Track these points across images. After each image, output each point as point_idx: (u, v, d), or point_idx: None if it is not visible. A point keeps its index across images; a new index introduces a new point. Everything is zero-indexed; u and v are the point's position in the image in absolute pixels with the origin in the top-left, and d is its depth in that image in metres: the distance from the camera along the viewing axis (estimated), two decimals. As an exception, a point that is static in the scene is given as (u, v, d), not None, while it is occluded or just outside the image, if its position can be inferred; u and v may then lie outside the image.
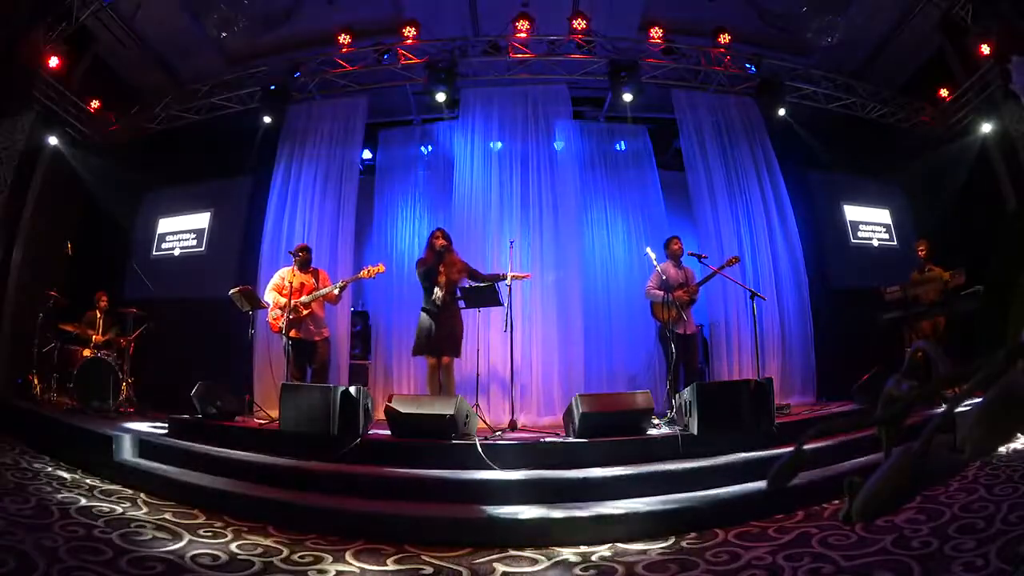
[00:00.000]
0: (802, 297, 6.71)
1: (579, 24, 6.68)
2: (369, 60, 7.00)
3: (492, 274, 5.16)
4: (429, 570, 2.42)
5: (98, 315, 6.15)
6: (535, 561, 2.52)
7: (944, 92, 7.25)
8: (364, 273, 5.08)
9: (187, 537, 2.66)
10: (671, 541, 2.71)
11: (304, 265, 5.23)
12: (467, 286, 4.96)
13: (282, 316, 4.99)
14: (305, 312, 5.04)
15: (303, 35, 7.28)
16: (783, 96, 6.96)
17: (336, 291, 5.10)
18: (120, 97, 7.41)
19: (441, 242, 5.01)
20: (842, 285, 7.01)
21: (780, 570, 2.25)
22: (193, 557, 2.41)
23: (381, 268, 5.11)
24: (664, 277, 5.18)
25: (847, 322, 6.45)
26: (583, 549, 2.64)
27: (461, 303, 4.99)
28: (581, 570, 2.41)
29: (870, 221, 7.66)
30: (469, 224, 6.63)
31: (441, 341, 4.89)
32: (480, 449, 3.59)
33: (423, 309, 5.01)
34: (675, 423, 4.20)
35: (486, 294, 4.85)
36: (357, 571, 2.41)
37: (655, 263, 5.14)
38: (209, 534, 2.75)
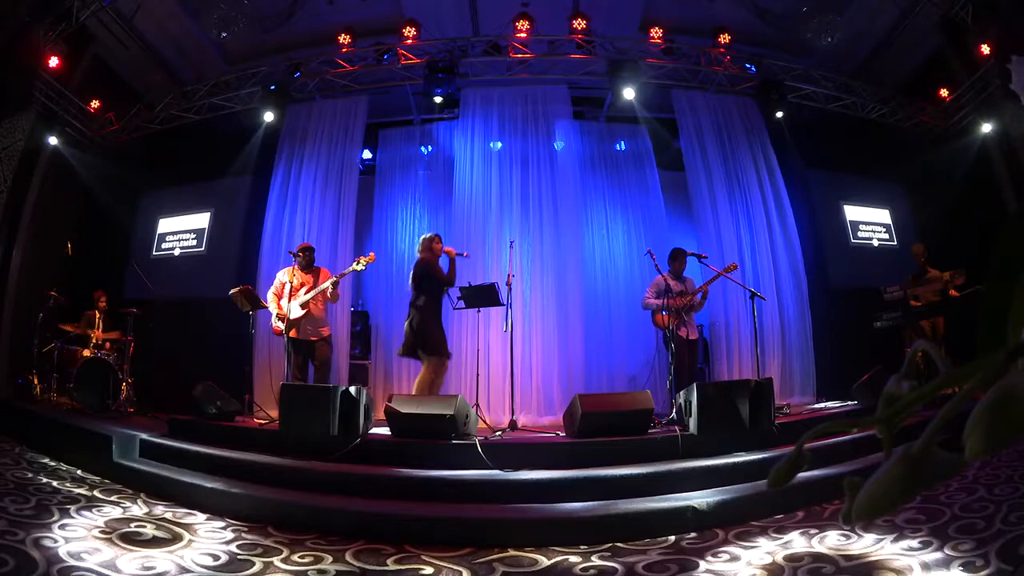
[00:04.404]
0: (802, 297, 6.70)
1: (579, 24, 6.68)
2: (369, 60, 7.00)
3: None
4: (429, 570, 2.42)
5: (98, 315, 6.14)
6: (535, 561, 2.52)
7: (944, 92, 7.25)
8: (355, 265, 5.07)
9: (187, 537, 2.66)
10: (671, 541, 2.71)
11: (307, 265, 5.22)
12: (467, 285, 4.96)
13: (282, 323, 4.99)
14: (302, 312, 5.04)
15: (303, 35, 7.28)
16: (783, 96, 6.96)
17: (329, 289, 5.07)
18: (120, 97, 7.41)
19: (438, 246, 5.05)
20: (842, 285, 7.01)
21: (780, 570, 2.25)
22: (193, 557, 2.41)
23: (372, 257, 5.10)
24: (663, 286, 5.20)
25: (847, 322, 6.45)
26: (583, 549, 2.64)
27: (461, 303, 4.99)
28: (581, 570, 2.41)
29: (870, 221, 7.66)
30: (469, 224, 6.63)
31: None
32: (480, 449, 3.59)
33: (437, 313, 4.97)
34: (675, 423, 4.20)
35: (486, 294, 4.85)
36: (357, 571, 2.41)
37: (656, 268, 5.15)
38: (209, 534, 2.76)
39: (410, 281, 4.96)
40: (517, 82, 7.12)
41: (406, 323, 4.87)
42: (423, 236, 5.13)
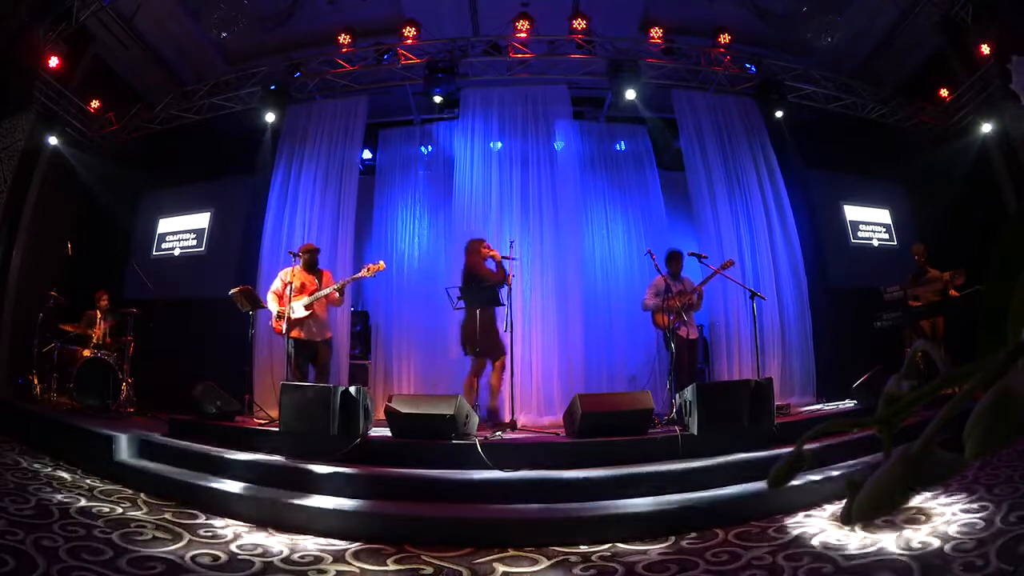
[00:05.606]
0: (802, 297, 6.70)
1: (579, 24, 6.68)
2: (369, 60, 6.99)
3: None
4: (429, 570, 2.42)
5: (98, 315, 6.14)
6: (535, 561, 2.52)
7: (944, 92, 7.25)
8: (364, 272, 5.06)
9: (187, 537, 2.66)
10: (671, 541, 2.71)
11: (310, 266, 5.21)
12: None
13: (282, 322, 4.97)
14: (306, 313, 5.03)
15: (303, 35, 7.28)
16: (783, 96, 6.95)
17: (336, 293, 5.08)
18: (120, 97, 7.41)
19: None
20: (842, 285, 7.01)
21: (780, 570, 2.25)
22: (193, 557, 2.41)
23: (381, 266, 5.09)
24: (663, 287, 5.23)
25: (847, 322, 6.45)
26: (583, 549, 2.64)
27: (461, 303, 4.98)
28: (581, 570, 2.41)
29: (870, 221, 7.66)
30: (469, 224, 6.62)
31: None
32: (480, 449, 3.59)
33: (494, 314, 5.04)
34: (675, 423, 4.19)
35: (486, 294, 4.85)
36: (357, 571, 2.41)
37: (656, 268, 5.16)
38: (209, 534, 2.76)
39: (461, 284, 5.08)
40: (517, 82, 7.11)
41: (464, 324, 4.97)
42: (469, 240, 5.27)
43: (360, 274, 5.12)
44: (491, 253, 5.03)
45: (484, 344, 4.88)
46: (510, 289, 4.90)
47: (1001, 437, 0.31)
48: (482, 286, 4.91)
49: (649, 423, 4.15)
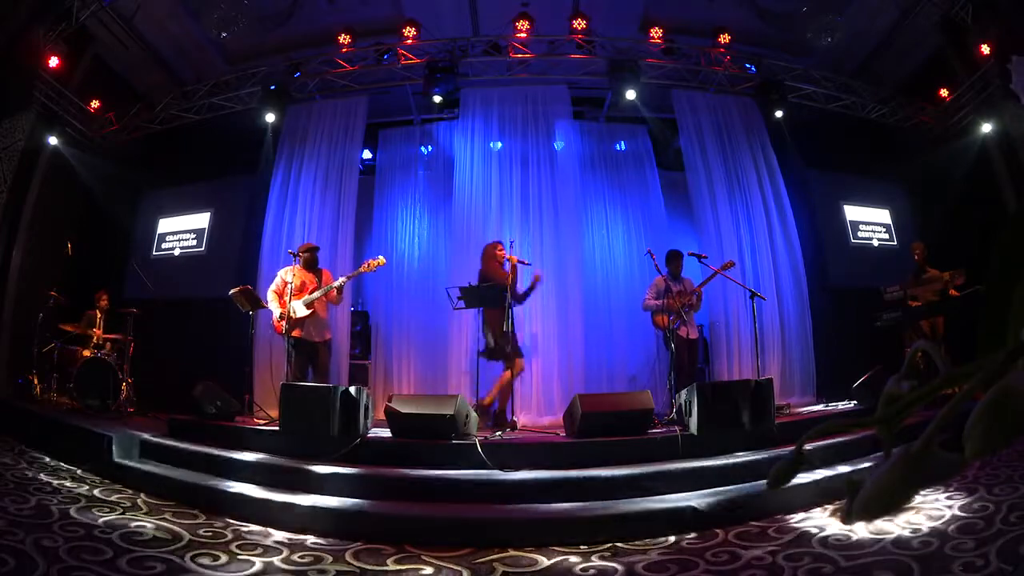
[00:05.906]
0: (802, 297, 6.70)
1: (579, 24, 6.68)
2: (369, 60, 7.00)
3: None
4: (429, 570, 2.42)
5: (98, 315, 6.14)
6: (535, 561, 2.52)
7: (944, 92, 7.25)
8: (364, 267, 5.05)
9: (187, 537, 2.66)
10: (671, 541, 2.71)
11: (310, 265, 5.20)
12: (467, 285, 4.95)
13: (283, 322, 4.97)
14: (307, 312, 5.02)
15: (303, 35, 7.28)
16: (783, 96, 6.95)
17: (334, 291, 5.07)
18: (120, 97, 7.41)
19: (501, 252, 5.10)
20: (842, 285, 7.01)
21: (780, 570, 2.25)
22: (193, 557, 2.41)
23: (381, 261, 5.07)
24: (663, 287, 5.24)
25: (847, 322, 6.45)
26: (583, 549, 2.64)
27: (461, 303, 4.96)
28: (581, 570, 2.41)
29: (870, 221, 7.66)
30: (469, 224, 6.63)
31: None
32: (480, 449, 3.59)
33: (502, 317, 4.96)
34: (675, 423, 4.19)
35: (487, 294, 4.84)
36: (357, 571, 2.41)
37: (656, 268, 5.17)
38: (209, 534, 2.75)
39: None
40: (517, 82, 7.12)
41: (482, 328, 5.00)
42: (485, 244, 5.25)
43: (360, 269, 5.12)
44: (509, 257, 5.03)
45: (510, 346, 4.87)
46: (512, 291, 4.89)
47: (1001, 437, 0.31)
48: (482, 287, 4.90)
49: (649, 423, 4.15)
